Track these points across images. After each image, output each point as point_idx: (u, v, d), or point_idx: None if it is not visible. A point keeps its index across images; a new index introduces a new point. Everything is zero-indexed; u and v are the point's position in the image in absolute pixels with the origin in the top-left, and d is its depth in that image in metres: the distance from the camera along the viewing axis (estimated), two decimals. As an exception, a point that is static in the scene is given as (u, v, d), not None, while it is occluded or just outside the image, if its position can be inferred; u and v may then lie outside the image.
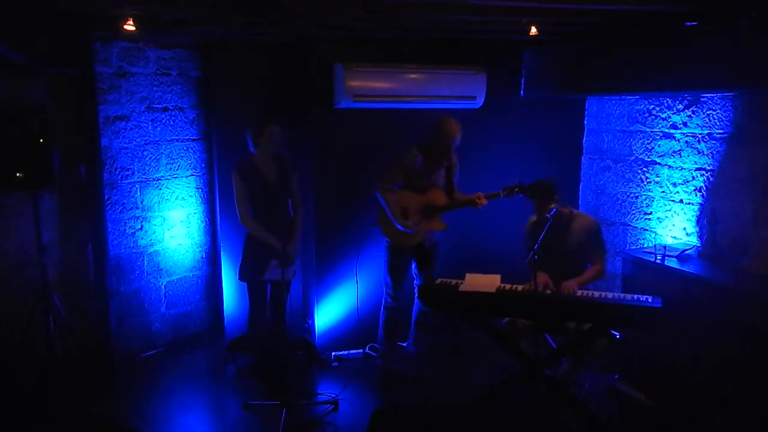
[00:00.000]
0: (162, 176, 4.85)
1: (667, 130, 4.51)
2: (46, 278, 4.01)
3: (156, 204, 4.84)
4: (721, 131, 4.10)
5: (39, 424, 3.79)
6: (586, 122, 5.35)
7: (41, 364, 4.00)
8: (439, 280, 3.91)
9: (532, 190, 3.90)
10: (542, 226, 3.68)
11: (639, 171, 4.78)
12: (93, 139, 4.38)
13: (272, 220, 4.07)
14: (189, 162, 5.00)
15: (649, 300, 3.48)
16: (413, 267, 4.52)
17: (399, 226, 4.24)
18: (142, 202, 4.75)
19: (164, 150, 4.84)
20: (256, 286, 4.21)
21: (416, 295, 4.54)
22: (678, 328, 3.72)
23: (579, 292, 3.65)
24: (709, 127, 4.18)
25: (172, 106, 4.86)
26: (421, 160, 4.27)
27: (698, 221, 4.26)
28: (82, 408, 3.98)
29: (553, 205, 3.71)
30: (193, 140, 5.02)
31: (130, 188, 4.68)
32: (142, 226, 4.77)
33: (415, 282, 4.57)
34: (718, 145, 4.13)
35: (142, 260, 4.81)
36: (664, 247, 4.10)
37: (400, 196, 4.28)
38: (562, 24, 4.00)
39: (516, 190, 4.15)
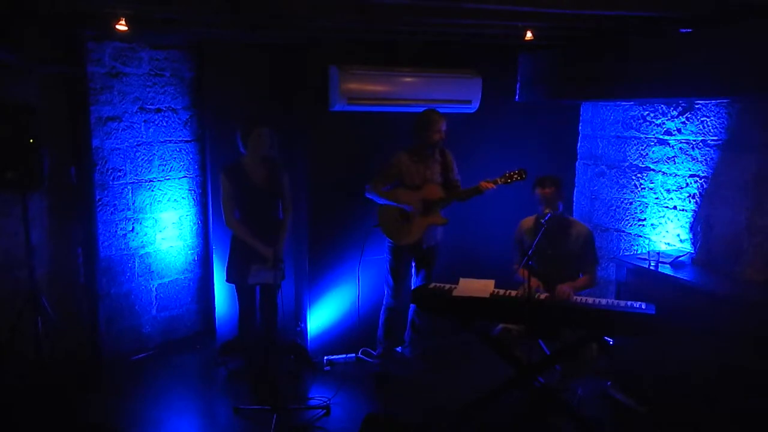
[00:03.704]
0: (154, 178, 4.81)
1: (661, 137, 4.52)
2: (35, 280, 3.97)
3: (148, 205, 4.80)
4: (715, 138, 4.10)
5: (27, 427, 3.74)
6: (580, 128, 5.35)
7: (29, 366, 3.95)
8: (432, 285, 3.89)
9: (548, 179, 3.89)
10: (537, 231, 3.67)
11: (633, 177, 4.78)
12: (84, 139, 4.35)
13: (259, 223, 4.03)
14: (182, 164, 4.97)
15: (643, 306, 3.49)
16: (412, 268, 4.52)
17: (406, 207, 4.28)
18: (133, 204, 4.71)
19: (157, 151, 4.81)
20: (244, 289, 4.17)
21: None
22: (671, 334, 3.72)
23: (573, 298, 3.64)
24: (703, 133, 4.19)
25: (165, 107, 4.82)
26: (410, 160, 4.30)
27: (692, 228, 4.26)
28: (71, 411, 3.94)
29: (559, 202, 3.81)
30: (186, 142, 4.98)
31: (122, 189, 4.64)
32: (133, 228, 4.73)
33: (412, 284, 4.55)
34: (712, 151, 4.13)
35: (133, 262, 4.77)
36: (658, 253, 4.10)
37: (396, 194, 4.32)
38: (558, 29, 4.00)
39: (515, 176, 4.16)
